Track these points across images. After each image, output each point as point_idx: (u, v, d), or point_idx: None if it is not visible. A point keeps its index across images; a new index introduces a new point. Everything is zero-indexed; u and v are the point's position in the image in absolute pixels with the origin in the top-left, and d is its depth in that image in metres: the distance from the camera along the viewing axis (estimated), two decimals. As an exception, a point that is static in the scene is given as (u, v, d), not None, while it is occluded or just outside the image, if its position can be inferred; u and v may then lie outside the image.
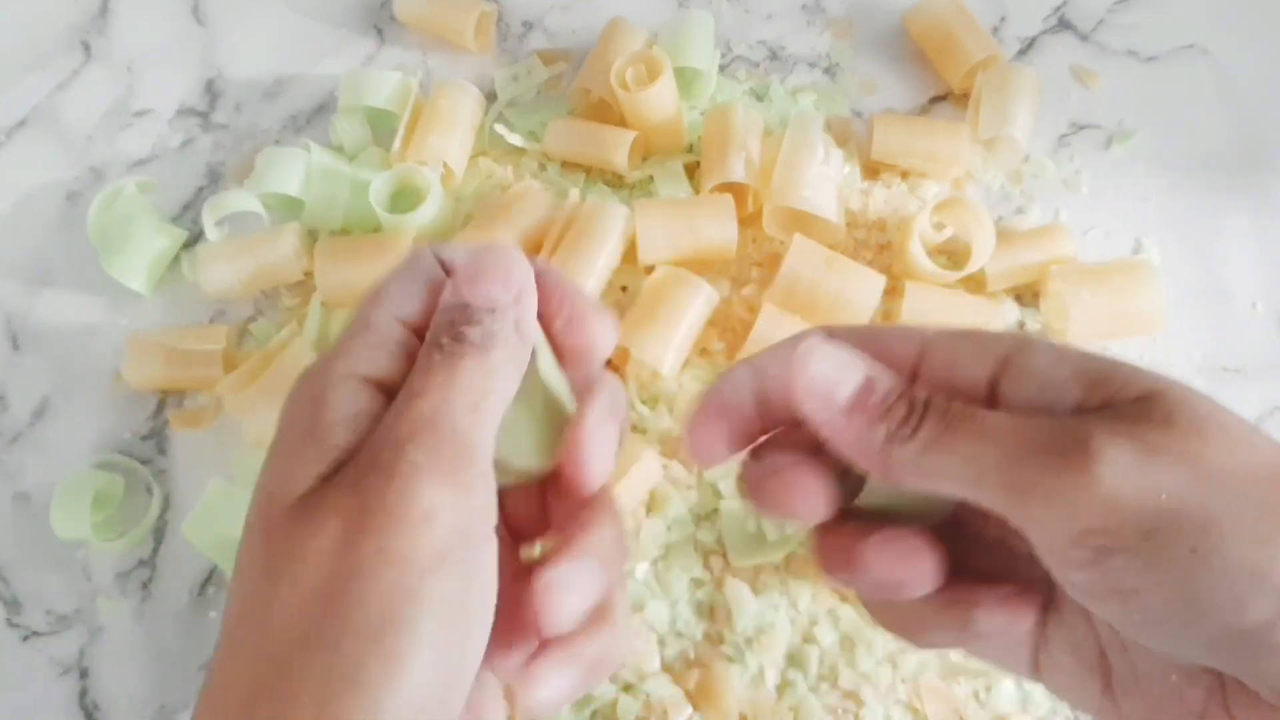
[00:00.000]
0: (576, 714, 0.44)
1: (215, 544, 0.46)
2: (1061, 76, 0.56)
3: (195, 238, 0.54)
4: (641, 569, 0.45)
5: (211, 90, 0.57)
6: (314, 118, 0.57)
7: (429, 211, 0.50)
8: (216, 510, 0.46)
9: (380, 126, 0.55)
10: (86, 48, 0.59)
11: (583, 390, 0.31)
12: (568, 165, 0.53)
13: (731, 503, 0.46)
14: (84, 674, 0.47)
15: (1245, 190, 0.53)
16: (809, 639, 0.44)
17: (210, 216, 0.51)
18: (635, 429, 0.47)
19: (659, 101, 0.50)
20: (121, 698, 0.46)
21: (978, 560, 0.29)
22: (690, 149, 0.53)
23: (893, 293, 0.49)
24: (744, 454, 0.31)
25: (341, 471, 0.27)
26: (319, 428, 0.28)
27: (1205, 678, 0.27)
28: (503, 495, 0.29)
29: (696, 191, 0.52)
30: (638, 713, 0.43)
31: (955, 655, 0.44)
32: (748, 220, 0.51)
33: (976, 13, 0.55)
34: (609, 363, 0.48)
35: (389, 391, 0.28)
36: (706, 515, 0.46)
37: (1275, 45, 0.56)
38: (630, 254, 0.49)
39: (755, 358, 0.30)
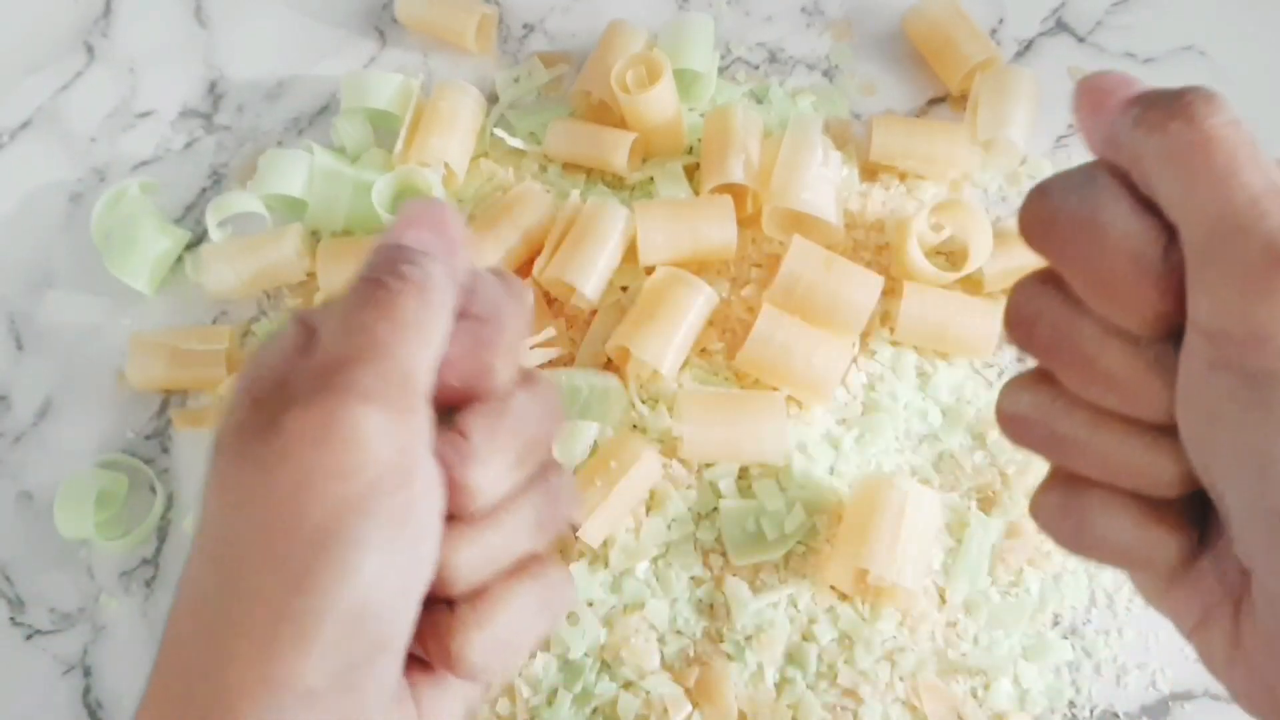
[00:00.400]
0: (577, 712, 0.44)
1: (218, 543, 0.46)
2: (1059, 78, 0.56)
3: (198, 238, 0.54)
4: (641, 567, 0.46)
5: (214, 92, 0.58)
6: (316, 119, 0.57)
7: (430, 212, 0.50)
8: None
9: (382, 128, 0.55)
10: (89, 49, 0.59)
11: None
12: (568, 167, 0.54)
13: (731, 502, 0.46)
14: (87, 672, 0.47)
15: (1242, 191, 0.54)
16: (808, 637, 0.44)
17: (213, 217, 0.52)
18: (635, 429, 0.48)
19: (659, 103, 0.51)
20: (125, 696, 0.46)
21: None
22: (690, 151, 0.54)
23: (891, 293, 0.49)
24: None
25: (294, 384, 0.27)
26: (269, 364, 0.29)
27: None
28: None
29: (696, 193, 0.52)
30: (638, 710, 0.44)
31: (953, 653, 0.45)
32: (747, 221, 0.51)
33: (974, 15, 0.55)
34: (609, 361, 0.49)
35: None
36: (706, 514, 0.46)
37: (1272, 47, 0.56)
38: (630, 254, 0.50)
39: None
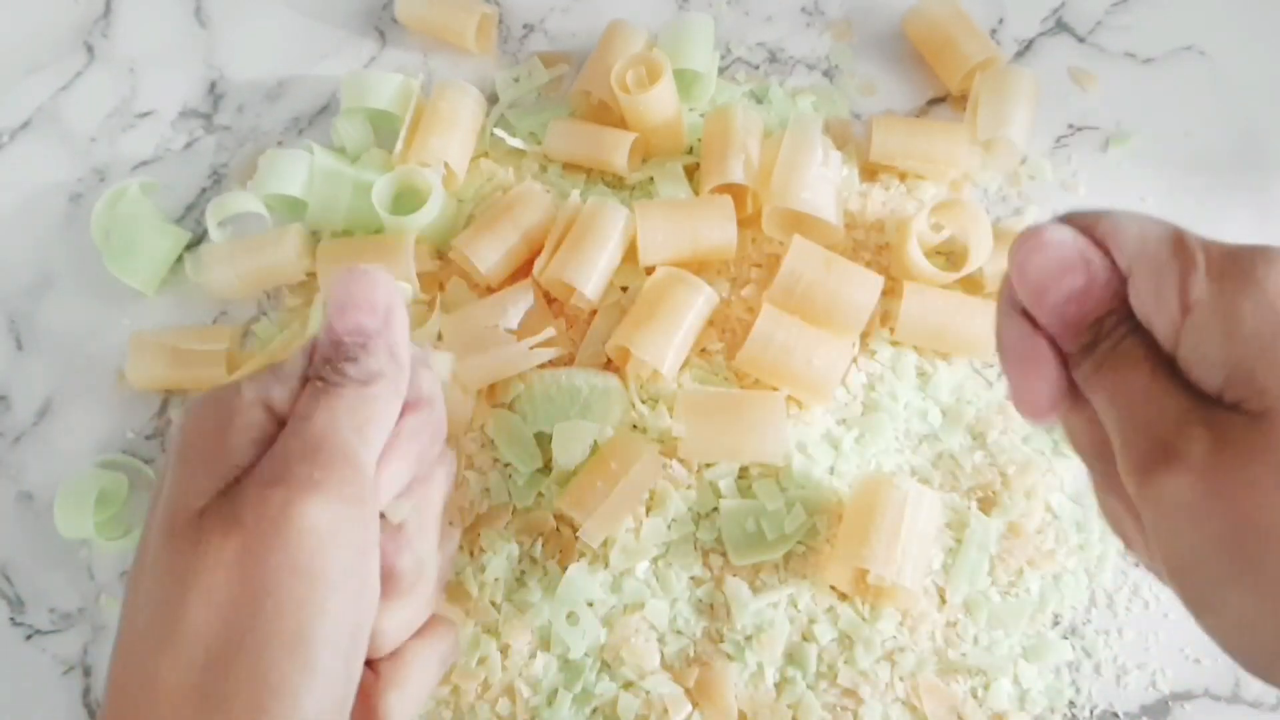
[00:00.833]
0: (577, 712, 0.44)
1: (218, 543, 0.46)
2: (1059, 78, 0.56)
3: (198, 238, 0.54)
4: (642, 567, 0.46)
5: (214, 92, 0.58)
6: (316, 119, 0.57)
7: (431, 213, 0.50)
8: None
9: (382, 128, 0.55)
10: (90, 49, 0.59)
11: None
12: (568, 167, 0.54)
13: (730, 502, 0.46)
14: (87, 672, 0.47)
15: (1243, 191, 0.54)
16: (808, 637, 0.44)
17: (213, 217, 0.52)
18: (635, 428, 0.48)
19: (659, 103, 0.51)
20: (125, 696, 0.46)
21: None
22: (690, 151, 0.54)
23: (891, 293, 0.50)
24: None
25: (240, 485, 0.29)
26: (223, 446, 0.30)
27: None
28: None
29: (696, 193, 0.52)
30: (638, 710, 0.44)
31: (953, 654, 0.45)
32: (747, 221, 0.51)
33: (974, 15, 0.55)
34: (609, 361, 0.49)
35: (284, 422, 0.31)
36: (706, 514, 0.46)
37: (1273, 47, 0.56)
38: (630, 254, 0.50)
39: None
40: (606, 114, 0.54)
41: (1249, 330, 0.27)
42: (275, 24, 0.59)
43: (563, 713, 0.44)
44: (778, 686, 0.44)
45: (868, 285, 0.47)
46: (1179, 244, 0.29)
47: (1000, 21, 0.58)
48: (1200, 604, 0.27)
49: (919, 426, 0.48)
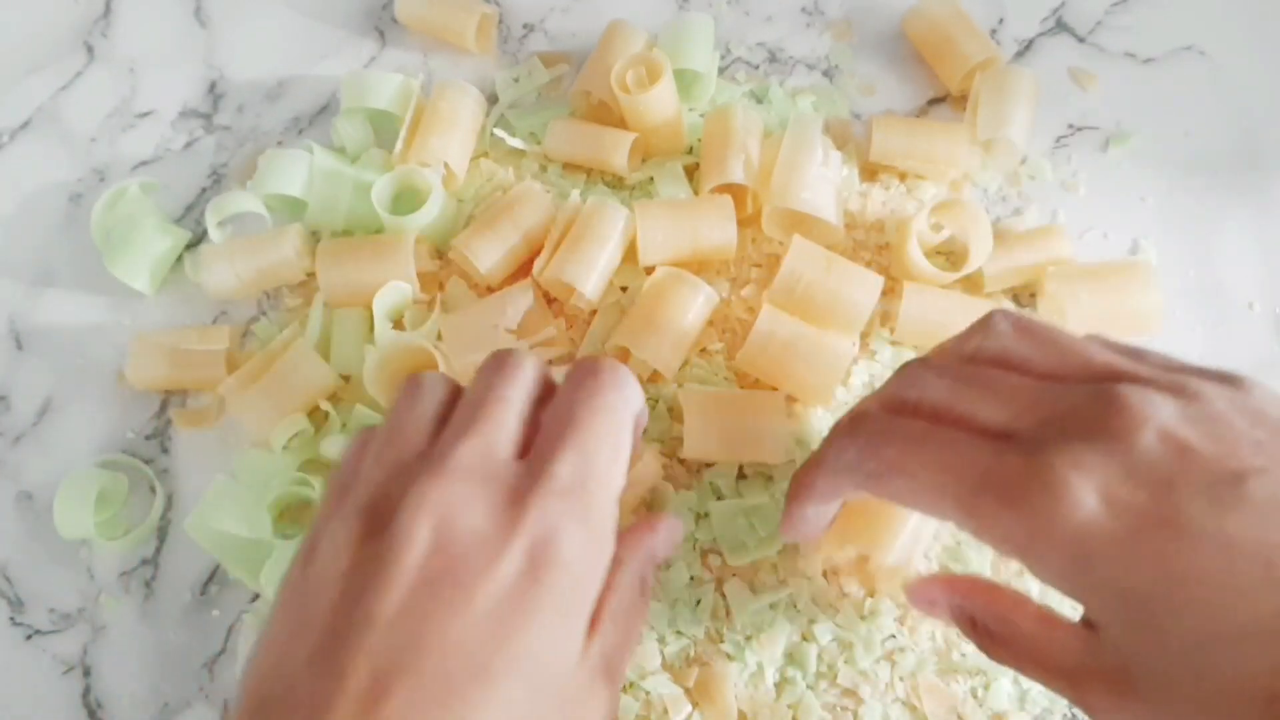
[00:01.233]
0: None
1: (218, 541, 0.46)
2: (1059, 78, 0.56)
3: (198, 238, 0.54)
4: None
5: (214, 92, 0.58)
6: (316, 119, 0.57)
7: (431, 213, 0.50)
8: (219, 507, 0.46)
9: (382, 128, 0.55)
10: (89, 49, 0.59)
11: None
12: (568, 167, 0.54)
13: (721, 504, 0.46)
14: (87, 672, 0.47)
15: (1243, 191, 0.54)
16: (807, 637, 0.44)
17: (213, 217, 0.52)
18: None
19: (659, 103, 0.51)
20: (124, 696, 0.46)
21: None
22: (690, 151, 0.54)
23: (891, 293, 0.50)
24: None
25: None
26: None
27: None
28: None
29: (696, 193, 0.52)
30: (638, 711, 0.44)
31: (954, 653, 0.45)
32: (747, 221, 0.51)
33: (974, 15, 0.55)
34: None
35: None
36: (706, 514, 0.46)
37: (1273, 47, 0.56)
38: (630, 254, 0.50)
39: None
40: (606, 114, 0.54)
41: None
42: (275, 24, 0.59)
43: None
44: (778, 686, 0.44)
45: (868, 285, 0.47)
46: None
47: (1000, 21, 0.58)
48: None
49: (919, 426, 0.48)
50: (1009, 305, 0.51)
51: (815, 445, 0.47)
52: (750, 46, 0.57)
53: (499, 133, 0.54)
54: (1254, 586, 0.27)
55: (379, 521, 0.30)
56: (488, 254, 0.49)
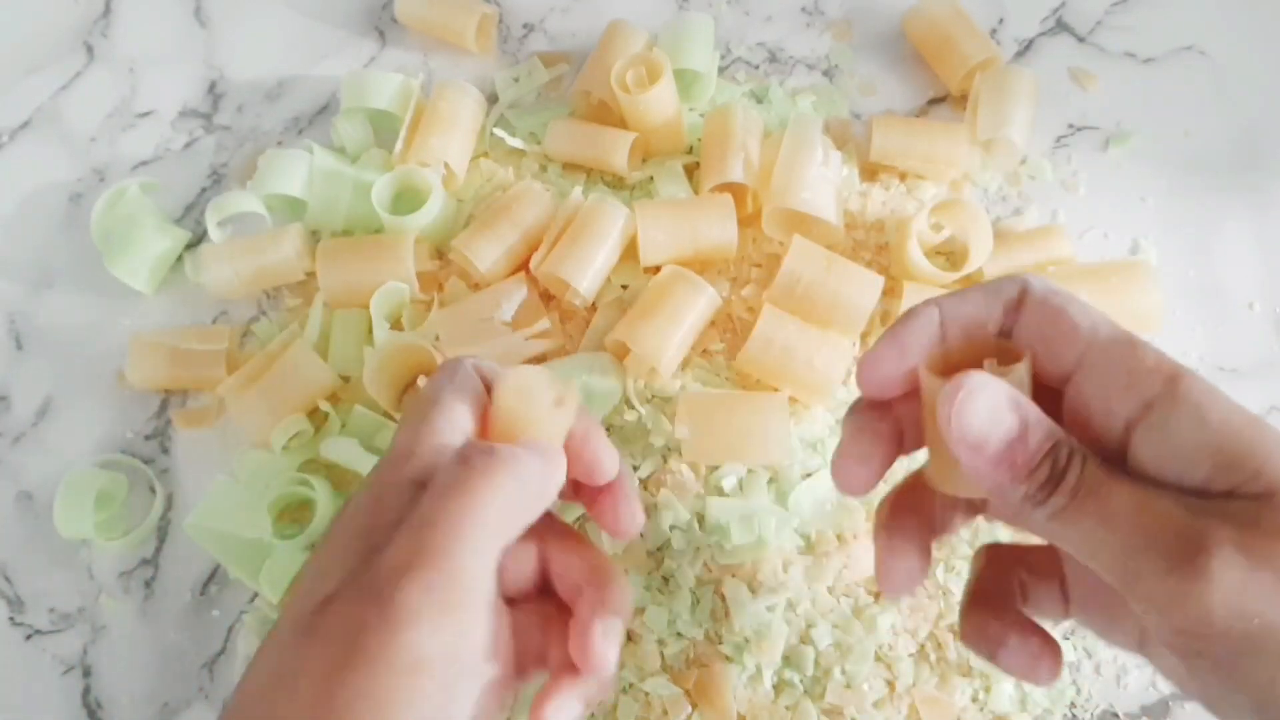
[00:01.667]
0: (576, 712, 0.44)
1: (217, 541, 0.46)
2: (1059, 78, 0.56)
3: (198, 238, 0.54)
4: (642, 571, 0.45)
5: (214, 92, 0.58)
6: (316, 119, 0.57)
7: (430, 213, 0.50)
8: (219, 507, 0.46)
9: (382, 128, 0.55)
10: (89, 49, 0.59)
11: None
12: (568, 167, 0.54)
13: (717, 501, 0.46)
14: (87, 672, 0.47)
15: (1242, 191, 0.54)
16: (806, 640, 0.44)
17: (213, 217, 0.52)
18: (636, 428, 0.48)
19: (659, 103, 0.51)
20: (124, 696, 0.46)
21: None
22: (690, 150, 0.54)
23: (891, 293, 0.49)
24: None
25: (354, 579, 0.29)
26: (371, 529, 0.30)
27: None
28: None
29: (696, 193, 0.52)
30: (638, 713, 0.44)
31: (954, 656, 0.44)
32: (747, 221, 0.51)
33: (974, 15, 0.55)
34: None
35: None
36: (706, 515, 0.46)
37: (1272, 47, 0.56)
38: (630, 253, 0.49)
39: (944, 301, 0.32)
40: (606, 114, 0.53)
41: (1218, 419, 0.27)
42: (275, 24, 0.59)
43: (562, 713, 0.44)
44: (776, 689, 0.44)
45: (868, 285, 0.47)
46: (1129, 343, 0.29)
47: (1000, 21, 0.58)
48: (1264, 689, 0.26)
49: (919, 427, 0.48)
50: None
51: (816, 444, 0.47)
52: (750, 46, 0.57)
53: (499, 133, 0.54)
54: None
55: None
56: (487, 254, 0.49)
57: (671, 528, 0.46)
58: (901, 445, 0.33)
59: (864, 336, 0.49)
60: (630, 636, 0.45)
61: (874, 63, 0.57)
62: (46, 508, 0.48)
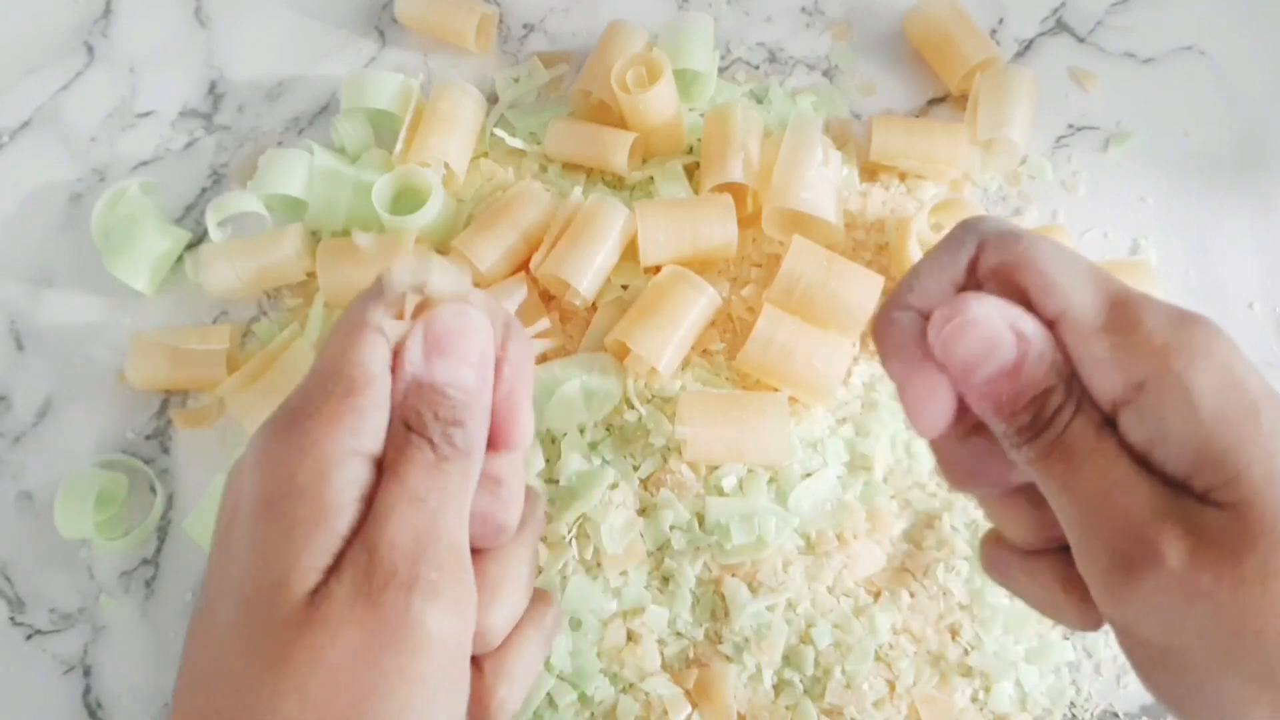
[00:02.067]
0: (577, 714, 0.44)
1: (218, 543, 0.46)
2: (1059, 78, 0.56)
3: (198, 238, 0.54)
4: (642, 570, 0.45)
5: (214, 92, 0.58)
6: (316, 119, 0.57)
7: (431, 213, 0.50)
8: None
9: (382, 128, 0.55)
10: (89, 49, 0.59)
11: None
12: (568, 167, 0.54)
13: (716, 501, 0.46)
14: (87, 672, 0.47)
15: (1242, 191, 0.54)
16: (806, 640, 0.44)
17: (213, 217, 0.52)
18: (636, 428, 0.48)
19: (659, 103, 0.51)
20: (124, 696, 0.46)
21: None
22: (690, 151, 0.54)
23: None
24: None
25: (346, 568, 0.26)
26: (325, 509, 0.26)
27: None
28: None
29: (696, 193, 0.52)
30: (638, 713, 0.44)
31: (954, 656, 0.44)
32: (747, 221, 0.51)
33: (974, 15, 0.55)
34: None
35: (380, 466, 0.28)
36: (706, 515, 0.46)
37: (1272, 47, 0.56)
38: (630, 253, 0.49)
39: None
40: (606, 114, 0.53)
41: (1211, 408, 0.25)
42: (275, 24, 0.59)
43: (564, 715, 0.44)
44: (776, 689, 0.44)
45: (868, 285, 0.47)
46: (1118, 306, 0.27)
47: (1000, 21, 0.58)
48: (1179, 700, 0.26)
49: (919, 427, 0.48)
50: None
51: (817, 444, 0.47)
52: (750, 46, 0.57)
53: (499, 133, 0.54)
54: None
55: None
56: (488, 254, 0.49)
57: (671, 528, 0.46)
58: None
59: (864, 337, 0.49)
60: (630, 636, 0.45)
61: (874, 63, 0.57)
62: (47, 508, 0.48)
